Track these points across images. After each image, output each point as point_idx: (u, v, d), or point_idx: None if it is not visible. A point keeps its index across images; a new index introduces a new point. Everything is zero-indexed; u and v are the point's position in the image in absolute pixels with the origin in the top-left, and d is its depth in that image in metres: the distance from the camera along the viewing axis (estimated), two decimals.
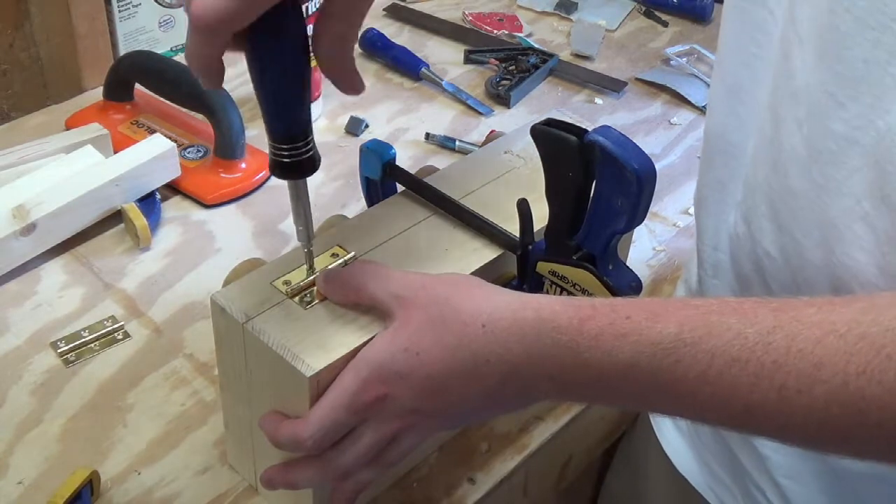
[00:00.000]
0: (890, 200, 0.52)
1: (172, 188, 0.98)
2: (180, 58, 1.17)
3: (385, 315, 0.58)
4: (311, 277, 0.63)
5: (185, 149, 1.01)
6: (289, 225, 0.95)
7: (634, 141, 0.59)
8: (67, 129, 1.03)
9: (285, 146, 0.56)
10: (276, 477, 0.62)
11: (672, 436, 0.82)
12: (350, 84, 0.57)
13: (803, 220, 0.57)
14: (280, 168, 0.57)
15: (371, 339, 0.58)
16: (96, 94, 1.09)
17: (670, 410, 0.51)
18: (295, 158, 0.57)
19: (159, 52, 1.18)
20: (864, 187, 0.53)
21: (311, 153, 0.57)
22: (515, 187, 0.73)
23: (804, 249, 0.58)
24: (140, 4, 1.15)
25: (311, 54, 0.54)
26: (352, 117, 1.10)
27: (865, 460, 0.45)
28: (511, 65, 1.24)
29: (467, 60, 1.27)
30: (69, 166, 0.92)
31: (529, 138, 0.64)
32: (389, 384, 0.55)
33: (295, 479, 0.61)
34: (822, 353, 0.43)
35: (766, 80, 0.59)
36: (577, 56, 1.31)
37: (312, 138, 0.57)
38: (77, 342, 0.80)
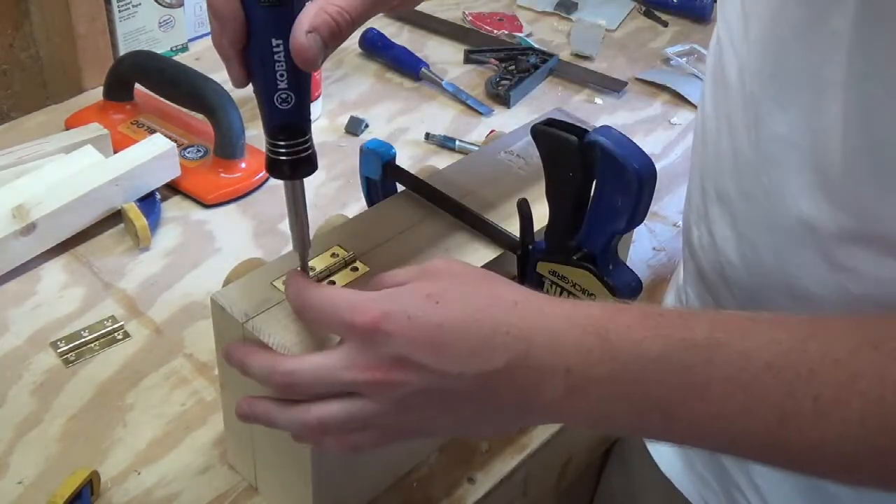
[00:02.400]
0: (830, 200, 0.52)
1: (172, 188, 0.98)
2: (180, 58, 1.18)
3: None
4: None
5: (185, 149, 1.01)
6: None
7: (634, 141, 0.59)
8: (67, 129, 1.03)
9: (282, 142, 0.54)
10: (253, 412, 0.57)
11: None
12: (301, 55, 0.52)
13: (757, 225, 0.58)
14: (276, 166, 0.55)
15: None
16: (96, 94, 1.10)
17: (696, 421, 0.46)
18: (292, 156, 0.55)
19: (159, 52, 1.18)
20: (804, 190, 0.53)
21: (309, 152, 0.55)
22: (515, 187, 0.73)
23: (760, 255, 0.58)
24: (140, 4, 1.15)
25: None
26: (352, 117, 1.10)
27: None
28: (511, 65, 1.24)
29: (467, 60, 1.27)
30: (69, 166, 0.92)
31: (529, 138, 0.64)
32: (392, 320, 0.49)
33: (273, 418, 0.56)
34: (859, 364, 0.41)
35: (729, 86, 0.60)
36: (577, 56, 1.31)
37: (311, 137, 0.56)
38: (77, 342, 0.80)
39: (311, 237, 0.60)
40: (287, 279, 0.59)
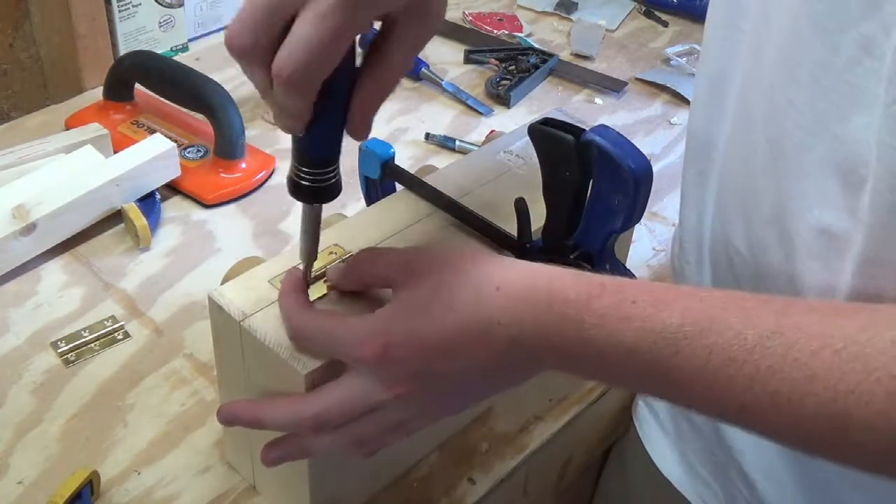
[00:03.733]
0: (852, 212, 0.52)
1: (172, 188, 0.98)
2: (180, 58, 1.18)
3: (397, 286, 0.56)
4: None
5: (185, 149, 1.02)
6: (289, 225, 0.95)
7: (634, 141, 0.59)
8: (67, 129, 1.04)
9: (306, 169, 0.54)
10: (279, 453, 0.59)
11: (656, 436, 0.83)
12: (362, 132, 0.54)
13: (766, 218, 0.58)
14: (297, 190, 0.55)
15: None
16: (96, 94, 1.10)
17: (667, 398, 0.51)
18: (316, 184, 0.54)
19: (159, 52, 1.18)
20: (816, 195, 0.53)
21: (334, 179, 0.55)
22: (514, 187, 0.73)
23: (767, 249, 0.58)
24: (140, 4, 1.15)
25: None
26: None
27: (850, 469, 0.46)
28: (511, 65, 1.24)
29: (467, 60, 1.27)
30: (69, 166, 0.92)
31: (528, 138, 0.64)
32: (403, 345, 0.53)
33: (298, 452, 0.59)
34: (817, 366, 0.43)
35: (741, 69, 0.60)
36: (577, 56, 1.31)
37: (338, 165, 0.55)
38: (77, 342, 0.80)
39: (317, 252, 0.60)
40: (281, 293, 0.59)
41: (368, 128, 0.54)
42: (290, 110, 0.50)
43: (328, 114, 0.51)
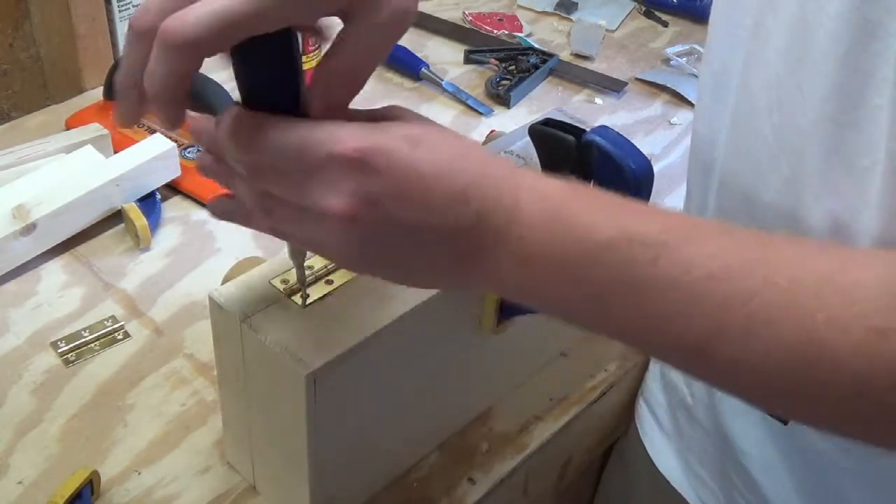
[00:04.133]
0: (861, 199, 0.51)
1: (172, 188, 0.98)
2: None
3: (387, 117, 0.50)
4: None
5: (185, 149, 1.02)
6: None
7: (634, 141, 0.59)
8: (67, 129, 1.04)
9: None
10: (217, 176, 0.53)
11: (656, 436, 0.83)
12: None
13: (772, 213, 0.58)
14: None
15: (371, 336, 0.58)
16: (96, 94, 1.10)
17: (631, 318, 0.46)
18: None
19: None
20: (824, 186, 0.53)
21: None
22: None
23: None
24: (140, 4, 1.15)
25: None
26: None
27: (802, 422, 0.45)
28: (511, 65, 1.24)
29: (467, 60, 1.27)
30: (69, 166, 0.92)
31: (529, 138, 0.64)
32: (368, 153, 0.45)
33: (233, 184, 0.52)
34: (796, 292, 0.42)
35: (744, 63, 0.60)
36: (577, 56, 1.31)
37: None
38: (77, 342, 0.80)
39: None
40: (224, 114, 0.50)
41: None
42: (160, 85, 0.45)
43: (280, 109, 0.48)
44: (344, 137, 0.46)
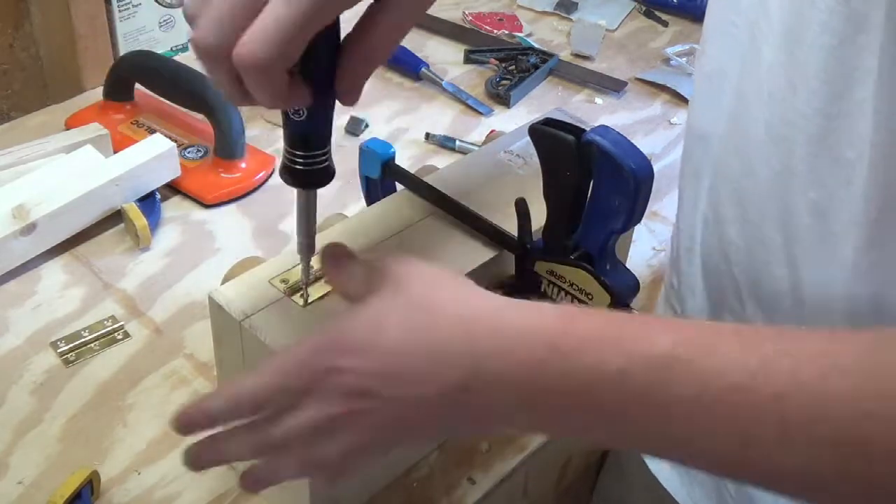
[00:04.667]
0: (848, 190, 0.51)
1: (172, 188, 0.98)
2: (180, 58, 1.17)
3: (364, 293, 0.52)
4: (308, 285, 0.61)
5: (185, 149, 1.02)
6: (289, 225, 0.95)
7: (634, 141, 0.59)
8: (67, 129, 1.03)
9: (300, 153, 0.53)
10: (203, 450, 0.55)
11: None
12: (350, 99, 0.53)
13: (763, 207, 0.58)
14: (291, 174, 0.54)
15: None
16: (96, 94, 1.10)
17: (651, 440, 0.45)
18: (309, 167, 0.54)
19: (159, 52, 1.18)
20: (811, 177, 0.53)
21: (327, 163, 0.55)
22: (514, 187, 0.73)
23: (765, 237, 0.58)
24: (140, 4, 1.15)
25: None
26: (352, 117, 1.10)
27: None
28: (511, 65, 1.24)
29: (467, 60, 1.27)
30: (69, 166, 0.92)
31: (529, 138, 0.64)
32: (344, 355, 0.48)
33: (224, 448, 0.54)
34: (828, 388, 0.40)
35: (737, 62, 0.60)
36: (577, 56, 1.31)
37: (330, 148, 0.55)
38: (77, 342, 0.80)
39: (315, 246, 0.60)
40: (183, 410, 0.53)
41: (357, 94, 0.53)
42: (269, 101, 0.48)
43: (315, 92, 0.50)
44: (304, 358, 0.50)
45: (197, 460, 0.55)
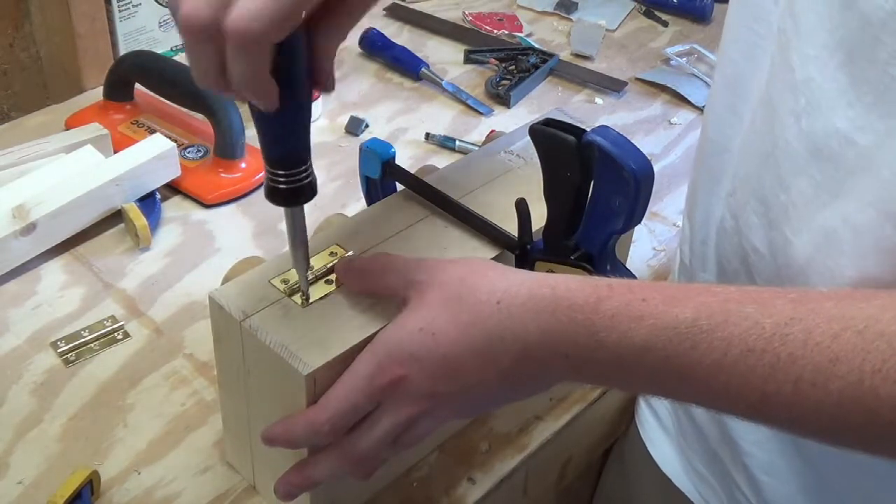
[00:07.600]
0: (886, 211, 0.51)
1: (172, 188, 0.98)
2: (180, 58, 1.17)
3: (402, 302, 0.57)
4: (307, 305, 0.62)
5: (185, 149, 1.02)
6: None
7: (634, 141, 0.59)
8: (67, 129, 1.03)
9: (282, 172, 0.54)
10: (294, 479, 0.60)
11: (656, 435, 0.83)
12: (326, 83, 0.54)
13: (795, 217, 0.57)
14: (275, 195, 0.55)
15: (370, 336, 0.58)
16: (96, 94, 1.10)
17: (684, 396, 0.51)
18: (292, 185, 0.55)
19: (159, 52, 1.18)
20: (858, 192, 0.53)
21: (308, 179, 0.55)
22: (514, 187, 0.73)
23: (792, 247, 0.58)
24: (140, 4, 1.15)
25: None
26: (352, 117, 1.10)
27: (877, 456, 0.45)
28: (511, 65, 1.24)
29: (467, 60, 1.27)
30: (69, 166, 0.92)
31: (529, 138, 0.64)
32: (405, 366, 0.54)
33: (314, 474, 0.60)
34: (839, 348, 0.43)
35: (763, 72, 0.59)
36: (577, 56, 1.31)
37: (310, 164, 0.55)
38: (77, 342, 0.80)
39: (310, 260, 0.61)
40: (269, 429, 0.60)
41: (331, 76, 0.54)
42: (247, 81, 0.47)
43: (288, 103, 0.51)
44: (376, 371, 0.55)
45: (290, 490, 0.61)
